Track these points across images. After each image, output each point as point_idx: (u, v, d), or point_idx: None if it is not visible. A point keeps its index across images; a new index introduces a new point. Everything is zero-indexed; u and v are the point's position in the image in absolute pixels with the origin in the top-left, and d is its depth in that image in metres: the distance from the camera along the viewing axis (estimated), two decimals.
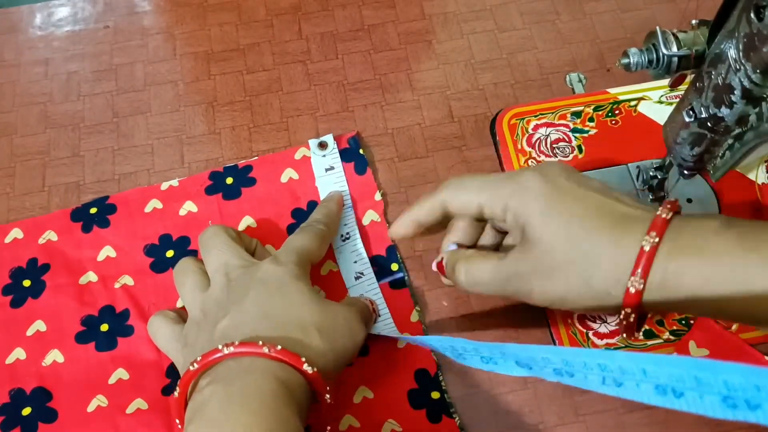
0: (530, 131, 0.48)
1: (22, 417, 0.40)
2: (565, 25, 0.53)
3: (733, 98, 0.31)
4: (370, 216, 0.46)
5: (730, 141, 0.34)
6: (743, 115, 0.32)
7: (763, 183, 0.46)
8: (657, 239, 0.30)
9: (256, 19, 0.54)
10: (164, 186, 0.47)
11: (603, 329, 0.42)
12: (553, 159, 0.47)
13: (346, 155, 0.48)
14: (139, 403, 0.40)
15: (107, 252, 0.45)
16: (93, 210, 0.46)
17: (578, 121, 0.48)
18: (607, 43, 0.52)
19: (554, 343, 0.42)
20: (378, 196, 0.46)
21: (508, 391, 0.41)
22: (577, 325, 0.42)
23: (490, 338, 0.42)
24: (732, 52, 0.30)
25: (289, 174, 0.47)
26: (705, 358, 0.39)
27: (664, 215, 0.31)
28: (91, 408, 0.40)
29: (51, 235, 0.45)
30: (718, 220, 0.30)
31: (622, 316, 0.31)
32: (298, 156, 0.48)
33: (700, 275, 0.29)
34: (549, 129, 0.48)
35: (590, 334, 0.42)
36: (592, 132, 0.48)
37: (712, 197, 0.45)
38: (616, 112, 0.48)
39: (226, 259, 0.38)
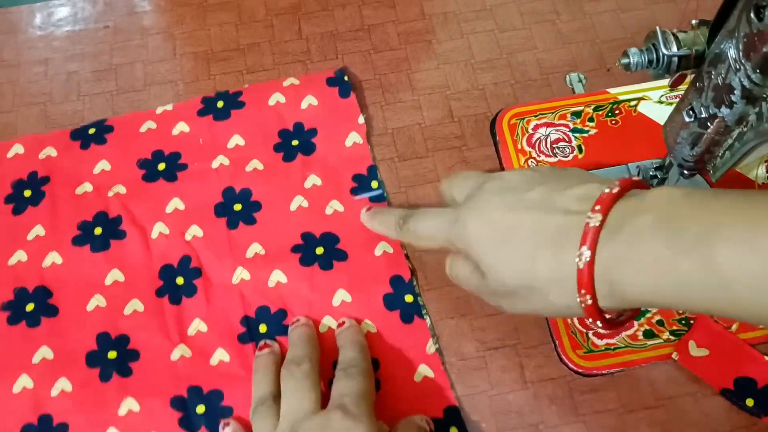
0: (530, 131, 0.48)
1: (26, 312, 0.43)
2: (565, 25, 0.53)
3: (733, 98, 0.31)
4: (353, 138, 0.48)
5: (730, 141, 0.34)
6: (743, 115, 0.32)
7: (763, 183, 0.46)
8: (589, 254, 0.29)
9: (256, 18, 0.54)
10: (159, 110, 0.50)
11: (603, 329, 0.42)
12: (552, 159, 0.47)
13: (331, 81, 0.50)
14: (135, 305, 0.43)
15: (103, 165, 0.47)
16: (92, 130, 0.49)
17: (578, 121, 0.48)
18: (607, 43, 0.52)
19: (554, 344, 0.42)
20: (361, 120, 0.48)
21: (508, 391, 0.41)
22: (578, 325, 0.42)
23: (490, 338, 0.42)
24: (732, 52, 0.30)
25: (276, 98, 0.49)
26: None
27: (592, 223, 0.29)
28: (90, 307, 0.43)
29: (51, 151, 0.48)
30: (652, 214, 0.29)
31: (590, 323, 0.31)
32: (286, 84, 0.50)
33: (640, 285, 0.29)
34: (549, 129, 0.48)
35: (590, 334, 0.42)
36: (592, 132, 0.48)
37: None
38: (616, 112, 0.48)
39: (297, 405, 0.37)
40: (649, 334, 0.42)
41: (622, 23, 0.53)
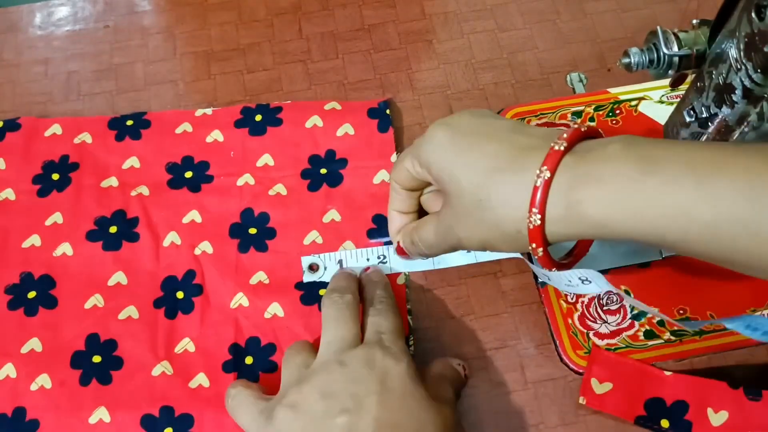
0: None
1: (27, 299, 0.43)
2: (566, 24, 0.53)
3: (734, 98, 0.31)
4: (382, 176, 0.47)
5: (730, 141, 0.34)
6: (744, 115, 0.32)
7: None
8: (548, 173, 0.29)
9: (257, 18, 0.54)
10: (198, 113, 0.49)
11: (604, 329, 0.42)
12: None
13: (372, 113, 0.49)
14: (131, 311, 0.43)
15: (132, 162, 0.47)
16: (129, 122, 0.49)
17: (579, 121, 0.48)
18: (607, 43, 0.52)
19: (555, 344, 0.42)
20: (394, 158, 0.47)
21: (508, 391, 0.41)
22: (578, 325, 0.42)
23: (490, 338, 0.42)
24: (733, 52, 0.30)
25: (314, 121, 0.49)
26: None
27: (557, 147, 0.30)
28: (88, 305, 0.43)
29: (86, 137, 0.48)
30: (620, 142, 0.29)
31: (531, 251, 0.31)
32: (327, 107, 0.49)
33: (601, 204, 0.28)
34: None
35: (591, 334, 0.42)
36: None
37: None
38: (617, 111, 0.48)
39: (339, 334, 0.37)
40: (649, 335, 0.42)
41: (622, 23, 0.53)
